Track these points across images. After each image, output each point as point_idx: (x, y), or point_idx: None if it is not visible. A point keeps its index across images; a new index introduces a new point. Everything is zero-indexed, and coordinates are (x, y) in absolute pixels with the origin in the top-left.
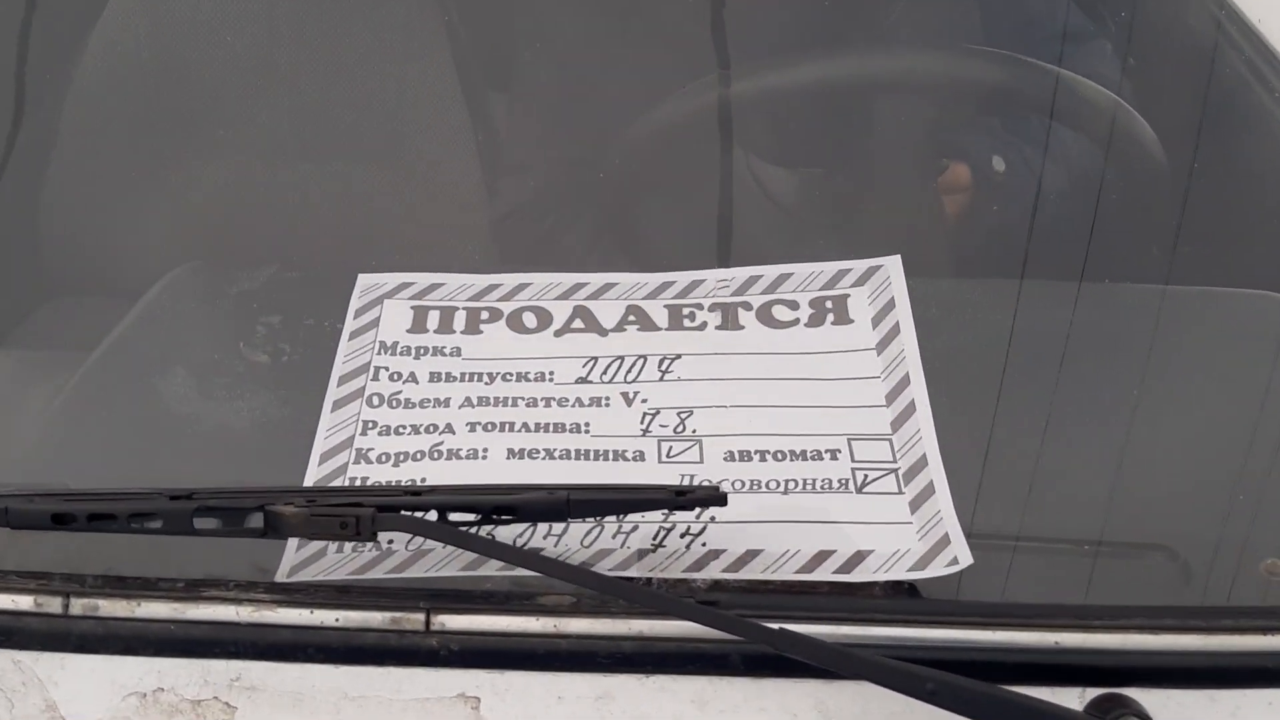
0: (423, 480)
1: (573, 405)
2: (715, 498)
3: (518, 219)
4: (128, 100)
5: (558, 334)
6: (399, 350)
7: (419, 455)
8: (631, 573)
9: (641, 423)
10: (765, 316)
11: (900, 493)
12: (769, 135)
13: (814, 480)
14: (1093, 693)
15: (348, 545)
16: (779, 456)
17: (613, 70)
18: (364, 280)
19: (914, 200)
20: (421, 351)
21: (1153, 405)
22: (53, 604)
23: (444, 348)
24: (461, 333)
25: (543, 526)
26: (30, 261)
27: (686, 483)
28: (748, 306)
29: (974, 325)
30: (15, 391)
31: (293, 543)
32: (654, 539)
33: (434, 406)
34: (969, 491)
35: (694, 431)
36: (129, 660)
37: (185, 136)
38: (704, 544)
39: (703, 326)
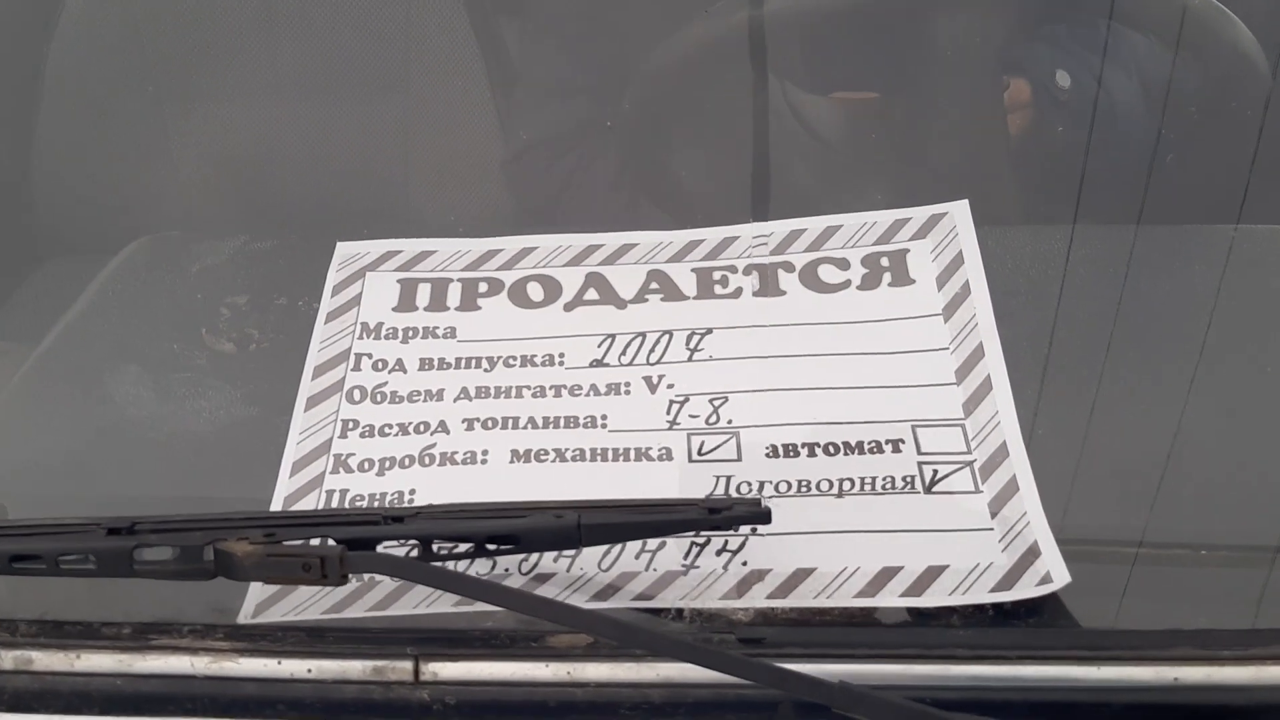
0: (411, 492)
1: (587, 394)
2: (757, 515)
3: (530, 158)
4: (111, 51)
5: (568, 307)
6: (383, 333)
7: (407, 461)
8: (659, 602)
9: (668, 413)
10: (810, 279)
11: (978, 491)
12: (808, 60)
13: (873, 479)
14: None
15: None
16: (831, 450)
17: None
18: (344, 249)
19: (977, 127)
20: (410, 334)
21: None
22: None
23: (436, 328)
24: (456, 309)
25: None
26: (26, 222)
27: (722, 485)
28: (789, 267)
29: (1058, 282)
30: None
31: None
32: (685, 558)
33: (424, 400)
34: (1059, 488)
35: (729, 422)
36: None
37: (172, 81)
38: (745, 563)
39: (737, 293)
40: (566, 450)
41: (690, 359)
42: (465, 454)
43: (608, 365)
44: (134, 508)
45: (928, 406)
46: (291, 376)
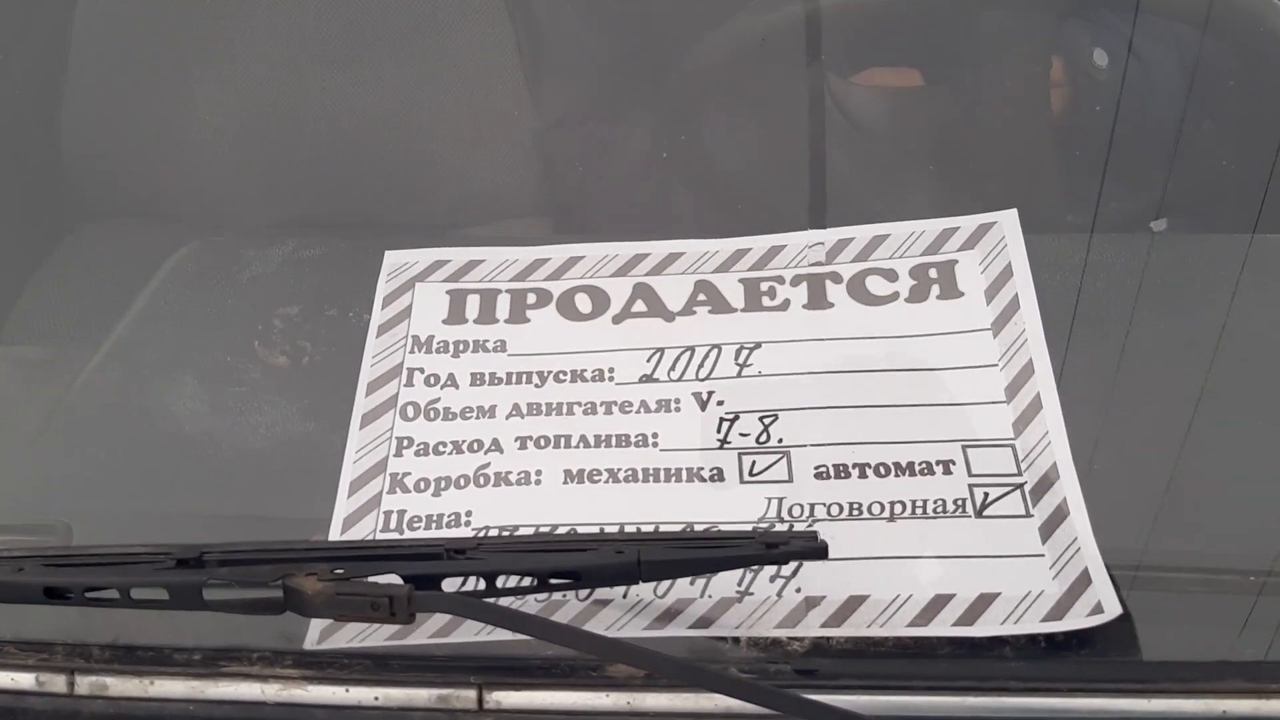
0: (468, 513)
1: (637, 411)
2: (813, 550)
3: (566, 127)
4: (138, 13)
5: (616, 320)
6: (435, 346)
7: (462, 481)
8: (714, 631)
9: (718, 431)
10: (858, 290)
11: (1029, 515)
12: (849, 48)
13: (924, 502)
14: None
15: None
16: (882, 471)
17: None
18: (392, 258)
19: (1022, 118)
20: (461, 348)
21: None
22: (56, 682)
23: (486, 341)
24: (506, 322)
25: None
26: (59, 185)
27: (774, 507)
28: (837, 278)
29: (1110, 294)
30: (13, 395)
31: None
32: (740, 584)
33: (478, 417)
34: (1110, 511)
35: (780, 441)
36: None
37: (199, 49)
38: (799, 589)
39: (785, 305)
40: (619, 470)
41: (740, 374)
42: (519, 474)
43: (657, 381)
44: (197, 526)
45: (978, 426)
46: (345, 390)
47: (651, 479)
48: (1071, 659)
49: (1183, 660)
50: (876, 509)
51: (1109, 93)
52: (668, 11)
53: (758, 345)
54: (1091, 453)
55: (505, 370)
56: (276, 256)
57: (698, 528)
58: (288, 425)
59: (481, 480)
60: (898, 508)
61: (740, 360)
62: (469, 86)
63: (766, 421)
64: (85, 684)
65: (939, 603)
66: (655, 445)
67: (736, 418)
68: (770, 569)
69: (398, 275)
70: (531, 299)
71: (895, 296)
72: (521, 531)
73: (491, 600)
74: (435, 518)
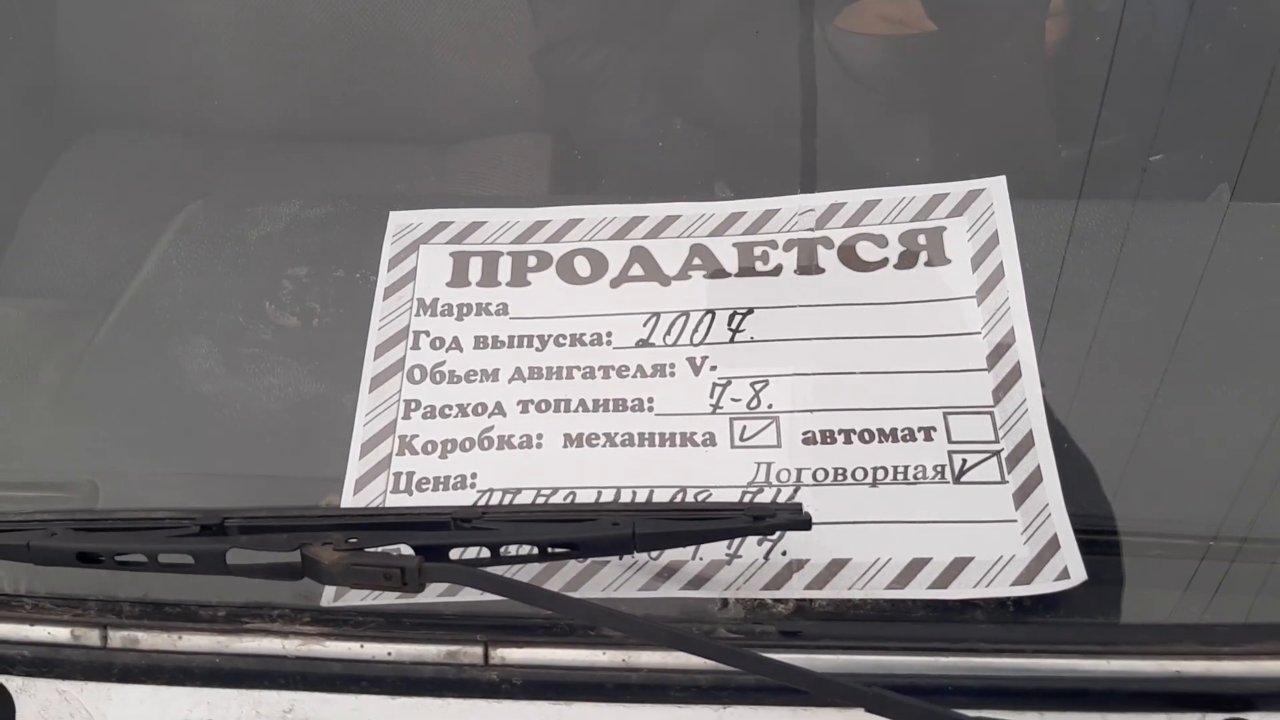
0: (473, 475)
1: (634, 375)
2: (797, 522)
3: (561, 52)
4: None
5: (614, 284)
6: (439, 309)
7: (468, 444)
8: (705, 592)
9: (711, 396)
10: (849, 256)
11: (1003, 481)
12: None
13: (905, 468)
14: (1214, 719)
15: None
16: (866, 437)
17: None
18: (396, 219)
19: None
20: (465, 310)
21: None
22: (90, 636)
23: (489, 304)
24: (507, 284)
25: None
26: (55, 99)
27: (763, 472)
28: (829, 243)
29: (1094, 263)
30: (32, 349)
31: None
32: (729, 548)
33: (481, 380)
34: (1080, 479)
35: (770, 407)
36: (177, 691)
37: None
38: (784, 553)
39: (777, 270)
40: (616, 435)
41: (732, 340)
42: (521, 438)
43: (653, 345)
44: (218, 486)
45: (959, 393)
46: (354, 352)
47: (647, 443)
48: (1037, 622)
49: (1140, 623)
50: (860, 474)
51: (1108, 25)
52: None
53: (750, 311)
54: (1066, 421)
55: (507, 334)
56: (284, 215)
57: (690, 491)
58: (300, 386)
59: (485, 443)
60: (880, 473)
61: (733, 325)
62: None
63: (757, 387)
64: (118, 638)
65: (916, 566)
66: (650, 410)
67: (729, 383)
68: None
69: (402, 237)
70: (532, 262)
71: (885, 263)
72: (523, 494)
73: (495, 569)
74: (442, 480)
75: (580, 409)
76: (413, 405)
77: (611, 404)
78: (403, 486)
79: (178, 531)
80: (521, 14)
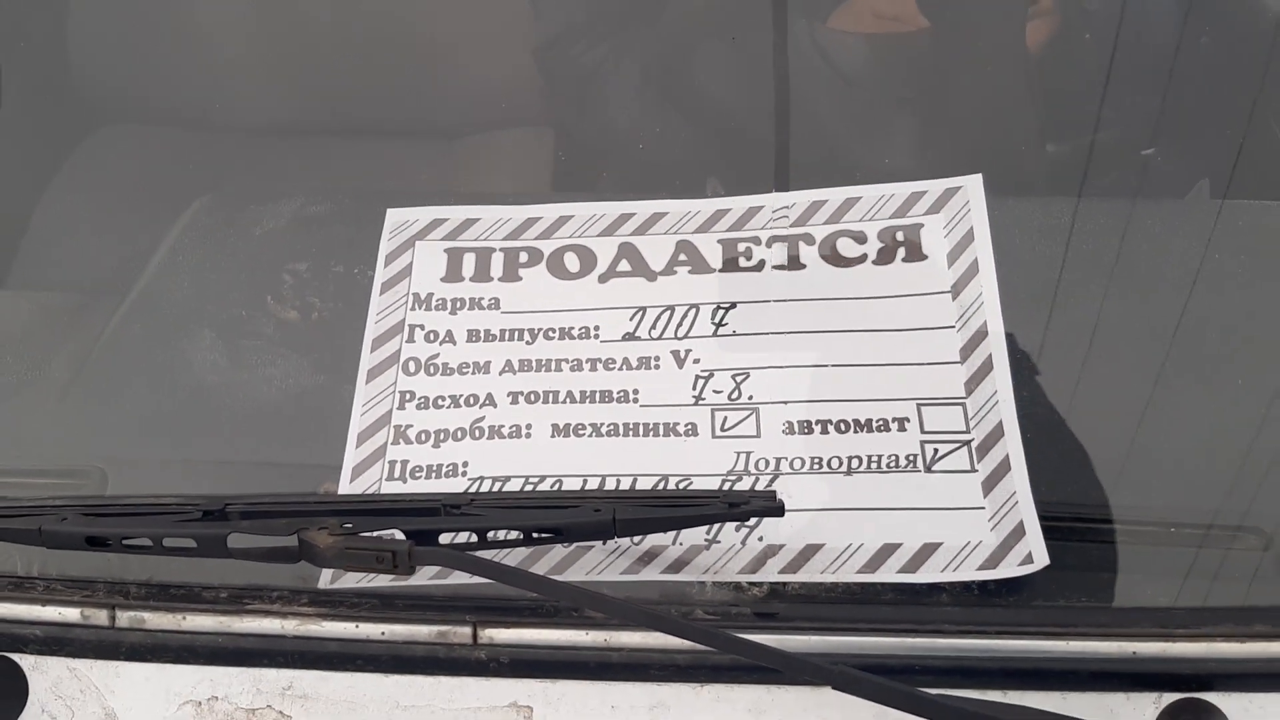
0: (464, 464)
1: (620, 368)
2: (771, 509)
3: (562, 47)
4: None
5: (603, 279)
6: (434, 304)
7: (460, 434)
8: (684, 575)
9: (694, 388)
10: (829, 253)
11: (973, 470)
12: None
13: (879, 457)
14: (1170, 697)
15: None
16: (842, 428)
17: None
18: (394, 216)
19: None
20: (458, 304)
21: (1261, 366)
22: (99, 616)
23: (481, 299)
24: (499, 280)
25: None
26: (69, 92)
27: (742, 461)
28: (810, 240)
29: (1065, 259)
30: (43, 342)
31: None
32: (708, 533)
33: (473, 372)
34: (1046, 467)
35: (750, 398)
36: (182, 669)
37: None
38: (760, 538)
39: (760, 266)
40: (602, 425)
41: (715, 333)
42: (511, 428)
43: (639, 339)
44: (220, 474)
45: (932, 384)
46: (352, 345)
47: (632, 433)
48: (1001, 604)
49: (1100, 606)
50: (835, 463)
51: (1098, 24)
52: None
53: (733, 305)
54: (1034, 412)
55: (499, 327)
56: (285, 212)
57: (672, 479)
58: (300, 378)
59: (477, 433)
60: (854, 462)
61: (716, 320)
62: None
63: (738, 379)
64: (125, 618)
65: (887, 551)
66: (636, 401)
67: (711, 375)
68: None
69: (399, 233)
70: (524, 258)
71: (864, 259)
72: (512, 481)
73: (482, 552)
74: (435, 468)
75: (568, 400)
76: (407, 396)
77: (598, 395)
78: (397, 474)
79: (182, 517)
80: (523, 9)
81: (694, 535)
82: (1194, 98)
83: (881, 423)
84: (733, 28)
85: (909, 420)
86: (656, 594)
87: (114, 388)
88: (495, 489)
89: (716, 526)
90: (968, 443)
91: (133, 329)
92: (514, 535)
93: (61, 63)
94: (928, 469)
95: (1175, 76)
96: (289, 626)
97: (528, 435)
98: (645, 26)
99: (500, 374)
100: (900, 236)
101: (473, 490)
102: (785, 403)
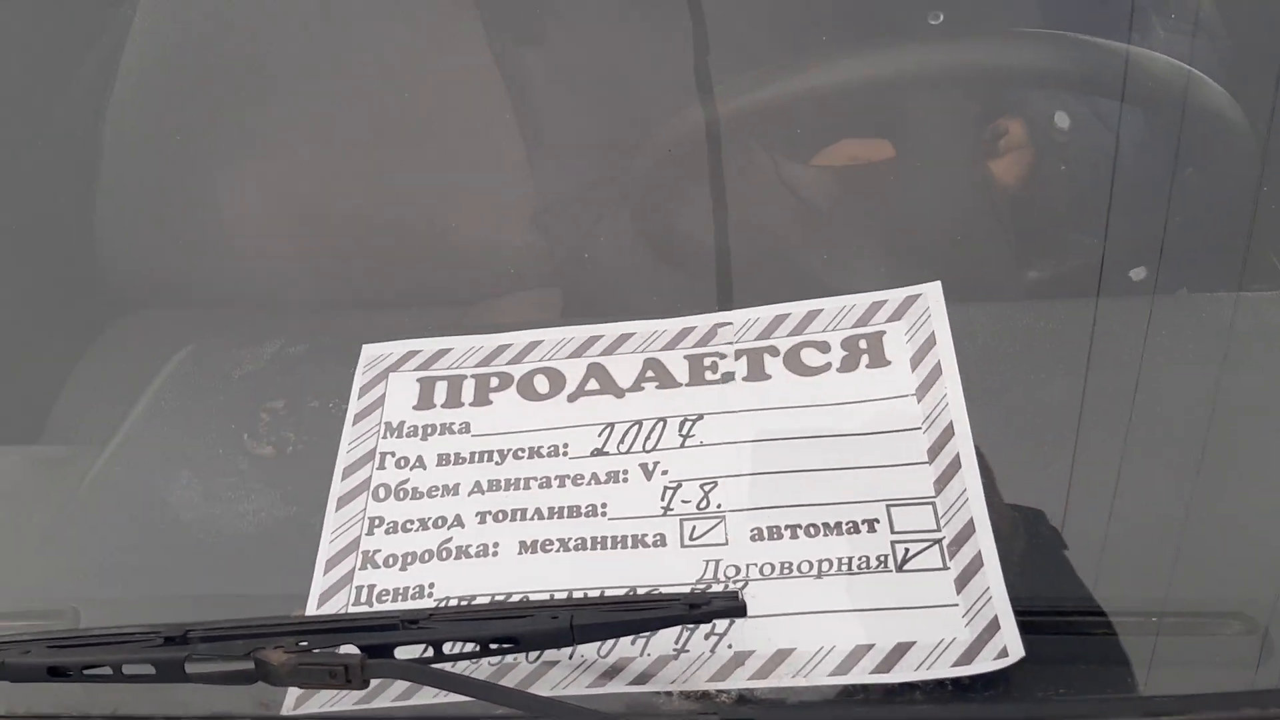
0: (430, 585)
1: (588, 483)
2: (734, 608)
3: (560, 210)
4: (165, 111)
5: (571, 398)
6: (405, 431)
7: (427, 556)
8: (651, 686)
9: (662, 499)
10: (794, 363)
11: (945, 568)
12: (799, 134)
13: (849, 559)
14: None
15: None
16: (811, 532)
17: (639, 70)
18: (369, 351)
19: (966, 186)
20: (429, 430)
21: (1230, 449)
22: None
23: (452, 424)
24: (470, 405)
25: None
26: (95, 276)
27: (711, 569)
28: (774, 351)
29: (1026, 359)
30: (31, 492)
31: None
32: (676, 643)
33: (442, 495)
34: (1018, 562)
35: (718, 506)
36: None
37: (218, 144)
38: (730, 645)
39: (726, 379)
40: (570, 540)
41: (683, 445)
42: (479, 547)
43: (607, 454)
44: (190, 605)
45: (901, 485)
46: (324, 476)
47: (600, 546)
48: (977, 699)
49: (1077, 698)
50: (805, 567)
51: (1072, 153)
52: (646, 95)
53: (700, 417)
54: (1004, 508)
55: (469, 450)
56: (266, 354)
57: (639, 590)
58: (272, 510)
59: (444, 554)
60: (824, 565)
61: (684, 431)
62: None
63: (706, 488)
64: None
65: (859, 653)
66: (604, 515)
67: (679, 486)
68: (705, 627)
69: (374, 367)
70: (494, 382)
71: (828, 367)
72: (478, 599)
73: (440, 665)
74: (401, 590)
75: (536, 517)
76: (376, 522)
77: (566, 510)
78: (364, 599)
79: (143, 644)
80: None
81: (662, 646)
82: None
83: (851, 525)
84: (704, 171)
85: (879, 521)
86: (622, 706)
87: (92, 530)
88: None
89: (685, 636)
90: (939, 541)
91: (113, 473)
92: (470, 647)
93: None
94: (899, 569)
95: (1156, 198)
96: None
97: (495, 554)
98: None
99: (469, 495)
100: (863, 344)
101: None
102: (753, 509)
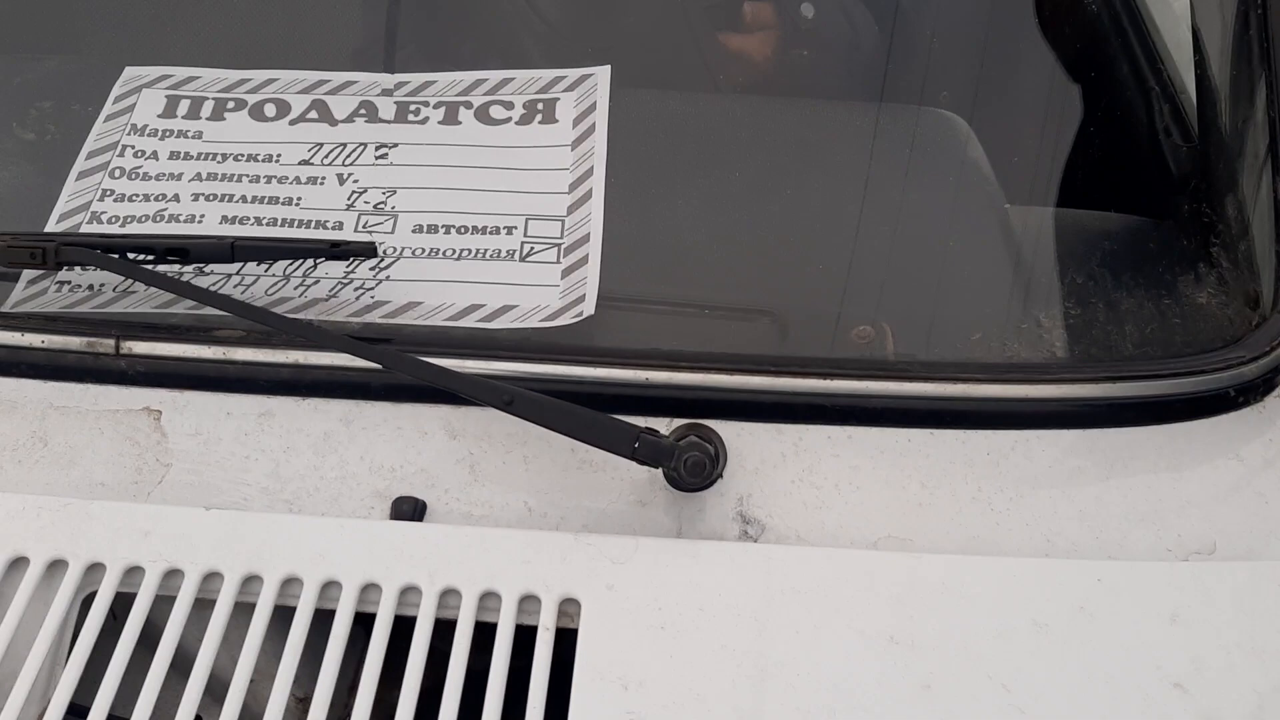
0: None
1: (291, 182)
2: (366, 249)
3: None
4: None
5: (292, 122)
6: (148, 132)
7: (144, 219)
8: (304, 315)
9: (348, 199)
10: (483, 115)
11: (557, 263)
12: None
13: (486, 250)
14: (679, 422)
15: (65, 286)
16: (462, 230)
17: None
18: (130, 71)
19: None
20: (167, 134)
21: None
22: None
23: (188, 131)
24: (207, 119)
25: (234, 277)
26: None
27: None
28: (469, 105)
29: (664, 132)
30: None
31: (23, 278)
32: (330, 291)
33: (167, 180)
34: (617, 265)
35: (393, 208)
36: None
37: None
38: (373, 296)
39: (425, 121)
40: (264, 218)
41: (375, 163)
42: (187, 215)
43: (312, 164)
44: None
45: (542, 206)
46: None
47: (288, 226)
48: (548, 342)
49: (625, 347)
50: (450, 253)
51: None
52: None
53: (395, 145)
54: (618, 231)
55: (197, 150)
56: (44, 68)
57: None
58: (25, 179)
59: (159, 219)
60: (465, 252)
61: (378, 154)
62: None
63: (386, 195)
64: None
65: (472, 308)
66: (298, 205)
67: (364, 191)
68: (357, 282)
69: (130, 83)
70: (230, 104)
71: (509, 120)
72: None
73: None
74: None
75: (241, 200)
76: (108, 193)
77: (266, 199)
78: None
79: None
80: None
81: (319, 291)
82: None
83: (494, 228)
84: None
85: (516, 227)
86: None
87: None
88: None
89: (339, 286)
90: (558, 245)
91: None
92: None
93: None
94: (522, 260)
95: None
96: None
97: (200, 222)
98: None
99: (189, 180)
100: (540, 106)
101: None
102: (420, 211)
